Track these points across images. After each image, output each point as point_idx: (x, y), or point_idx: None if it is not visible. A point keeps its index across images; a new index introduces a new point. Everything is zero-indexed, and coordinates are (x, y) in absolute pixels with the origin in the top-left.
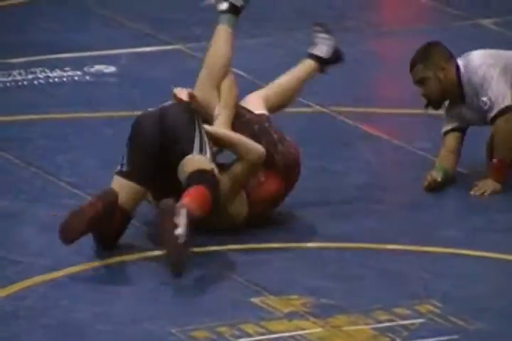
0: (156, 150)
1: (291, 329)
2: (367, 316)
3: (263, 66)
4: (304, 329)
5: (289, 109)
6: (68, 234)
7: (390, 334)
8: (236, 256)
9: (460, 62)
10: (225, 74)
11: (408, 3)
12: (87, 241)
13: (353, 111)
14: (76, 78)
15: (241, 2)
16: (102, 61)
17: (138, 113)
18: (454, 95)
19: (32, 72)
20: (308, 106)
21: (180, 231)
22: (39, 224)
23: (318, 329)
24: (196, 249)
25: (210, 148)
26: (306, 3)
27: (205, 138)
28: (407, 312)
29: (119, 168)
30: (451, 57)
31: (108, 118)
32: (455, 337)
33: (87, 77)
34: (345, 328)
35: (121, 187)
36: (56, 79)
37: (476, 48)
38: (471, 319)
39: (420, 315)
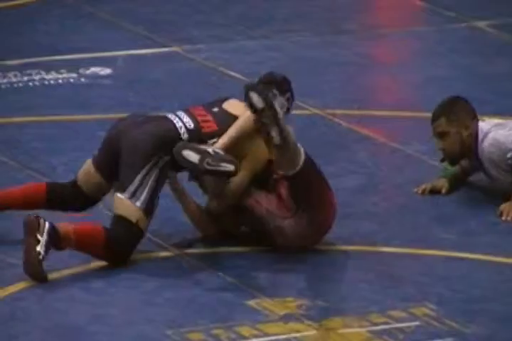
0: (115, 154)
1: (287, 331)
2: (362, 319)
3: (260, 68)
4: (299, 331)
5: None
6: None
7: (385, 337)
8: (232, 258)
9: (482, 125)
10: None
11: (403, 5)
12: None
13: (348, 113)
14: (71, 80)
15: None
16: (98, 63)
17: None
18: (472, 154)
19: (27, 74)
20: (304, 108)
21: (39, 248)
22: None
23: (314, 332)
24: (192, 251)
25: (149, 191)
26: (303, 5)
27: (146, 184)
28: (403, 314)
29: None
30: (476, 117)
31: (103, 120)
32: (450, 339)
33: (83, 79)
34: (340, 331)
35: (86, 165)
36: (52, 81)
37: (471, 51)
38: (466, 322)
39: (416, 317)
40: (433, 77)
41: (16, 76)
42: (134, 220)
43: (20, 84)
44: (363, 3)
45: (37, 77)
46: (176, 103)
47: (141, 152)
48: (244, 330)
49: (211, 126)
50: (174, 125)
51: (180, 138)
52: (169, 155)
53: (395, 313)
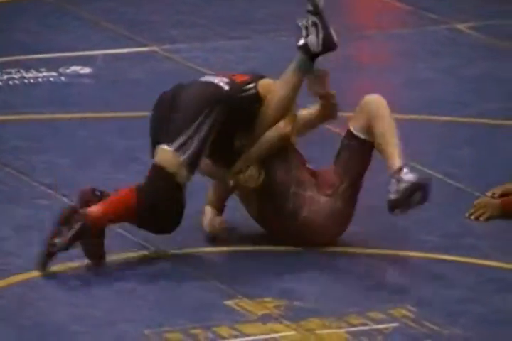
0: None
1: (265, 332)
2: (340, 320)
3: (240, 68)
4: (277, 332)
5: None
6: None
7: (363, 338)
8: (211, 258)
9: None
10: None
11: (384, 7)
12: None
13: None
14: (51, 79)
15: (318, 49)
16: (78, 62)
17: (113, 114)
18: None
19: (7, 73)
20: None
21: (59, 240)
22: (14, 224)
23: (292, 333)
24: (172, 251)
25: (198, 146)
26: (284, 6)
27: (197, 137)
28: (381, 316)
29: None
30: None
31: (83, 119)
32: None
33: (63, 78)
34: (318, 331)
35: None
36: (31, 80)
37: (452, 53)
38: (445, 324)
39: (394, 319)
40: (414, 79)
41: None
42: (172, 172)
43: (0, 83)
44: (343, 5)
45: (17, 76)
46: (153, 102)
47: (189, 107)
48: (223, 330)
49: (242, 77)
50: (212, 82)
51: (222, 89)
52: (218, 110)
53: (373, 314)
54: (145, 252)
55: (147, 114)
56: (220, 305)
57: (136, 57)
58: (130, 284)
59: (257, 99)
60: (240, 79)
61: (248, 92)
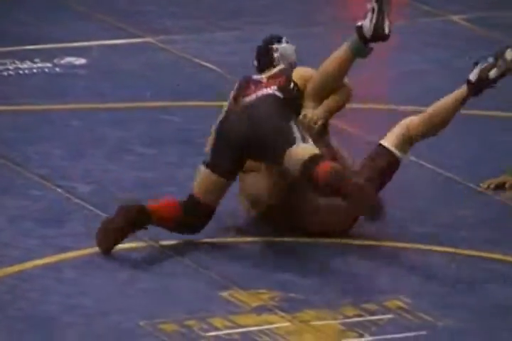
0: (243, 146)
1: (260, 323)
2: (335, 311)
3: (233, 59)
4: (272, 323)
5: None
6: (103, 249)
7: (358, 330)
8: (205, 249)
9: None
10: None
11: None
12: (56, 232)
13: None
14: (46, 70)
15: (368, 34)
16: (73, 53)
17: (107, 105)
18: None
19: (2, 64)
20: None
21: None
22: (8, 215)
23: (287, 324)
24: (165, 243)
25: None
26: None
27: (301, 128)
28: (376, 307)
29: (204, 158)
30: None
31: (78, 110)
32: (423, 333)
33: (57, 69)
34: (313, 323)
35: (204, 177)
36: (26, 71)
37: (446, 44)
38: (439, 315)
39: (388, 310)
40: (407, 70)
41: None
42: (318, 152)
43: None
44: None
45: (11, 67)
46: (149, 93)
47: (276, 117)
48: (217, 321)
49: (280, 79)
50: (268, 94)
51: (283, 98)
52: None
53: (368, 306)
54: (139, 243)
55: (142, 105)
56: (215, 296)
57: (130, 48)
58: (124, 275)
59: (301, 94)
60: (282, 82)
61: (294, 92)
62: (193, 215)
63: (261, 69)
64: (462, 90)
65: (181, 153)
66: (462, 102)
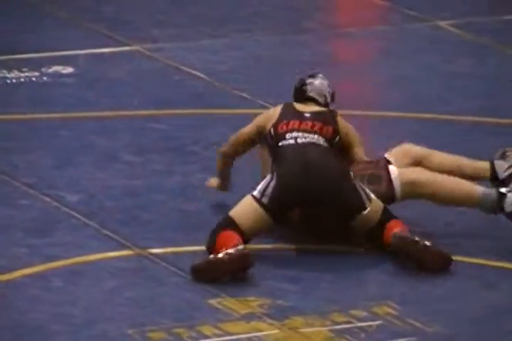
0: (307, 197)
1: (249, 330)
2: (324, 318)
3: (220, 67)
4: (261, 330)
5: (247, 110)
6: (201, 279)
7: (347, 336)
8: (194, 257)
9: None
10: None
11: (365, 4)
12: (44, 241)
13: None
14: (33, 79)
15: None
16: (60, 62)
17: (95, 114)
18: None
19: None
20: (266, 107)
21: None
22: None
23: (275, 331)
24: (154, 250)
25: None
26: (264, 4)
27: (358, 181)
28: (364, 314)
29: (257, 194)
30: None
31: (65, 119)
32: (412, 339)
33: (45, 78)
34: (302, 330)
35: (254, 212)
36: (14, 80)
37: (433, 50)
38: (428, 321)
39: (377, 316)
40: (395, 76)
41: None
42: (383, 208)
43: None
44: (324, 2)
45: None
46: (135, 102)
47: (341, 175)
48: (206, 329)
49: (327, 129)
50: (319, 144)
51: (332, 150)
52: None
53: (356, 312)
54: (127, 252)
55: (129, 113)
56: (204, 304)
57: (118, 56)
58: (112, 283)
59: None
60: (328, 132)
61: (337, 144)
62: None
63: (296, 100)
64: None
65: (169, 161)
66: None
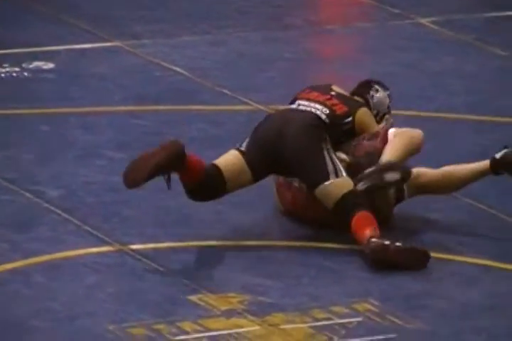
0: (275, 155)
1: (229, 327)
2: (304, 314)
3: (202, 63)
4: (241, 327)
5: (228, 107)
6: (131, 180)
7: (327, 333)
8: (174, 253)
9: None
10: None
11: (348, 1)
12: (25, 237)
13: None
14: (14, 74)
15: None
16: (41, 57)
17: (76, 109)
18: None
19: None
20: (248, 104)
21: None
22: None
23: (256, 328)
24: (133, 247)
25: (340, 163)
26: (247, 1)
27: (334, 156)
28: (345, 310)
29: (237, 145)
30: None
31: (46, 114)
32: (392, 335)
33: (26, 74)
34: (282, 326)
35: (233, 159)
36: None
37: (415, 47)
38: (408, 318)
39: (358, 313)
40: (377, 73)
41: None
42: (351, 188)
43: None
44: None
45: None
46: (117, 97)
47: (310, 144)
48: (187, 325)
49: (342, 107)
50: (315, 114)
51: (325, 123)
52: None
53: (337, 309)
54: (108, 247)
55: (110, 109)
56: (184, 300)
57: (99, 52)
58: (92, 279)
59: (353, 133)
60: (340, 110)
61: (345, 127)
62: (210, 185)
63: (352, 93)
64: (485, 163)
65: None
66: (479, 176)
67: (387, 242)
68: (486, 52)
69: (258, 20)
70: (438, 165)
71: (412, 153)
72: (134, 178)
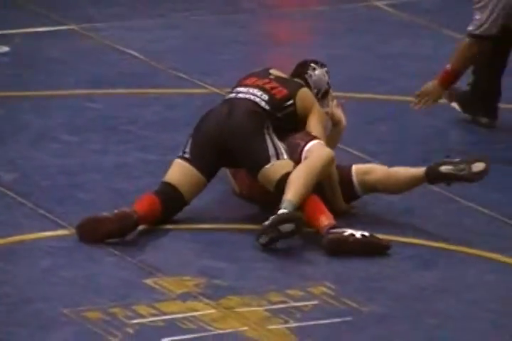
0: (220, 149)
1: (185, 310)
2: (260, 297)
3: (157, 47)
4: (197, 310)
5: (184, 90)
6: (86, 239)
7: (283, 316)
8: (129, 236)
9: None
10: None
11: None
12: None
13: None
14: None
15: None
16: None
17: (30, 93)
18: None
19: None
20: (202, 87)
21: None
22: None
23: (212, 311)
24: None
25: (283, 146)
26: None
27: (276, 140)
28: (300, 293)
29: (180, 153)
30: None
31: (0, 98)
32: (348, 318)
33: None
34: (238, 309)
35: (181, 170)
36: None
37: (370, 30)
38: (364, 301)
39: (313, 296)
40: (331, 56)
41: None
42: (291, 169)
43: None
44: None
45: None
46: (72, 80)
47: (252, 131)
48: (142, 309)
49: (281, 90)
50: (253, 101)
51: (265, 110)
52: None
53: (292, 292)
54: (62, 231)
55: (65, 92)
56: (139, 283)
57: (53, 35)
58: (47, 262)
59: (296, 116)
60: (279, 94)
61: (287, 110)
62: (171, 209)
63: (292, 75)
64: (421, 171)
65: (105, 140)
66: (416, 183)
67: (345, 233)
68: (440, 35)
69: (213, 3)
70: (393, 147)
71: (320, 178)
72: (88, 239)
